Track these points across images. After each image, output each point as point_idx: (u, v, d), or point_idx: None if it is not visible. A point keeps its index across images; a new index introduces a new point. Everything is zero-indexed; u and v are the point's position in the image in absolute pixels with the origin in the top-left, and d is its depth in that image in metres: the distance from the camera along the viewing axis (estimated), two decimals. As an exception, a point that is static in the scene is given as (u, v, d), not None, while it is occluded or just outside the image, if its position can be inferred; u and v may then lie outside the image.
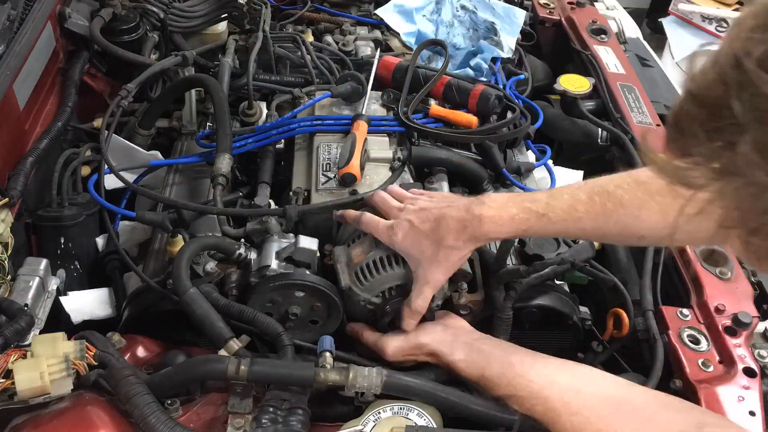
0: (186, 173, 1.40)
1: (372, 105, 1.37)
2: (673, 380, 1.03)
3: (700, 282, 1.16)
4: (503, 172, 1.31)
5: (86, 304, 1.20)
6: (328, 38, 1.73)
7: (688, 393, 1.00)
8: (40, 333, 1.03)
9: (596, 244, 1.18)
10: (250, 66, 1.42)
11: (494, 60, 1.63)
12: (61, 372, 0.86)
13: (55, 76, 1.46)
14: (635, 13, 2.67)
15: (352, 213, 1.09)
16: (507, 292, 1.08)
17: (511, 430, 0.92)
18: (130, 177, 1.33)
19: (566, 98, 1.62)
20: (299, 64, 1.56)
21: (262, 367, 0.89)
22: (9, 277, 1.08)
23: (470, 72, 1.60)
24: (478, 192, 1.28)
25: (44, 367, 0.85)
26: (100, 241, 1.31)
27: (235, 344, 0.96)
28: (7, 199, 1.13)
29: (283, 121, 1.32)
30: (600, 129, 1.56)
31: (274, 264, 1.06)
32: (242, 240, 1.12)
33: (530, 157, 1.42)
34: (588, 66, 1.75)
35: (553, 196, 0.96)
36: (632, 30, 2.05)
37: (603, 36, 1.86)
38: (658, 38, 3.62)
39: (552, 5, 2.01)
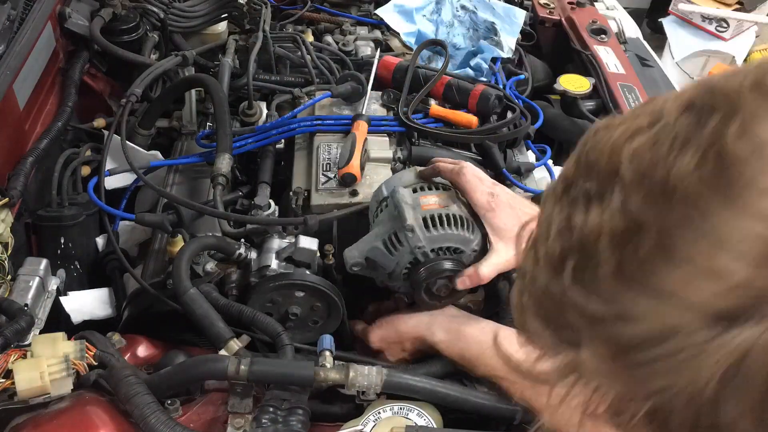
0: (186, 173, 1.40)
1: (372, 105, 1.37)
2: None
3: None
4: (503, 172, 1.31)
5: (86, 304, 1.20)
6: (328, 38, 1.73)
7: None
8: (40, 333, 1.03)
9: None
10: (250, 66, 1.42)
11: (494, 60, 1.63)
12: (61, 372, 0.86)
13: (55, 76, 1.46)
14: (635, 13, 2.67)
15: (449, 165, 1.06)
16: (510, 283, 1.07)
17: (514, 421, 0.92)
18: (130, 177, 1.33)
19: (566, 98, 1.62)
20: (299, 64, 1.55)
21: (262, 367, 0.89)
22: (9, 277, 1.08)
23: (470, 72, 1.59)
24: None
25: (44, 367, 0.85)
26: (100, 241, 1.31)
27: (235, 344, 0.96)
28: (7, 199, 1.13)
29: (283, 121, 1.32)
30: (600, 129, 1.56)
31: (274, 264, 1.06)
32: (242, 240, 1.12)
33: (530, 157, 1.42)
34: (588, 66, 1.74)
35: None
36: (632, 30, 2.05)
37: (603, 36, 1.85)
38: (658, 38, 3.62)
39: (552, 5, 2.01)
